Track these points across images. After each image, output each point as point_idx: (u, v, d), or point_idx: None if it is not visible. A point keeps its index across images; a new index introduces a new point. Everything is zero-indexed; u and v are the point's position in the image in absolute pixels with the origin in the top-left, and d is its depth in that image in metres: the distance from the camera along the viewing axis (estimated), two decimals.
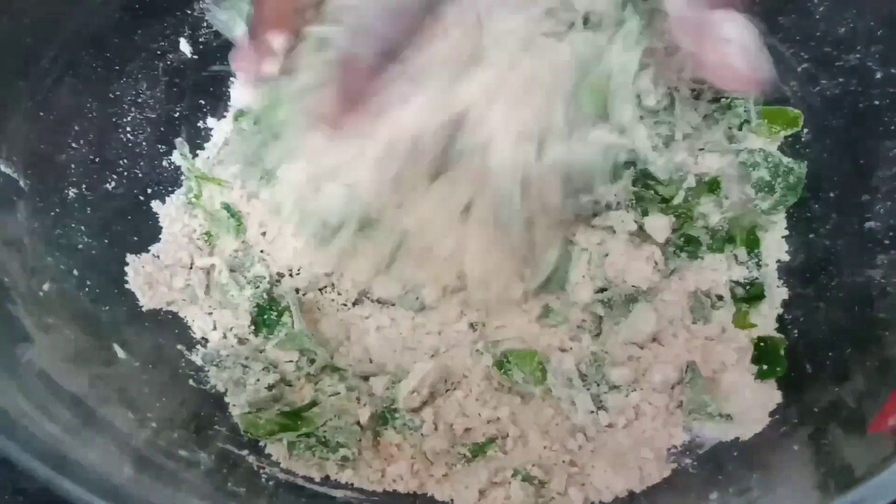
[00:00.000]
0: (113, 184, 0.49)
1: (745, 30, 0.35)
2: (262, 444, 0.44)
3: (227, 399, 0.46)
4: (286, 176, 0.42)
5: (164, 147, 0.53)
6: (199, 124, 0.54)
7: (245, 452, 0.43)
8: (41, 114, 0.45)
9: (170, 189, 0.52)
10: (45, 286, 0.41)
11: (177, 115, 0.53)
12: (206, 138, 0.55)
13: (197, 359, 0.47)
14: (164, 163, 0.52)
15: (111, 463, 0.35)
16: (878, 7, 0.45)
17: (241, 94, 0.50)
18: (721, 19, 0.35)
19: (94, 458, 0.33)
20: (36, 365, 0.37)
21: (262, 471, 0.43)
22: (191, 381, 0.46)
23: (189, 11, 0.53)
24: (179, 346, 0.47)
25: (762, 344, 0.47)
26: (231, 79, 0.55)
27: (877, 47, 0.46)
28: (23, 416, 0.33)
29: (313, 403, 0.45)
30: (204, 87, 0.54)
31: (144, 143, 0.51)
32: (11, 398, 0.34)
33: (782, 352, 0.46)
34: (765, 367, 0.46)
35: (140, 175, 0.51)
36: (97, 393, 0.39)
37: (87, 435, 0.35)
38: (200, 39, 0.53)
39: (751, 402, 0.44)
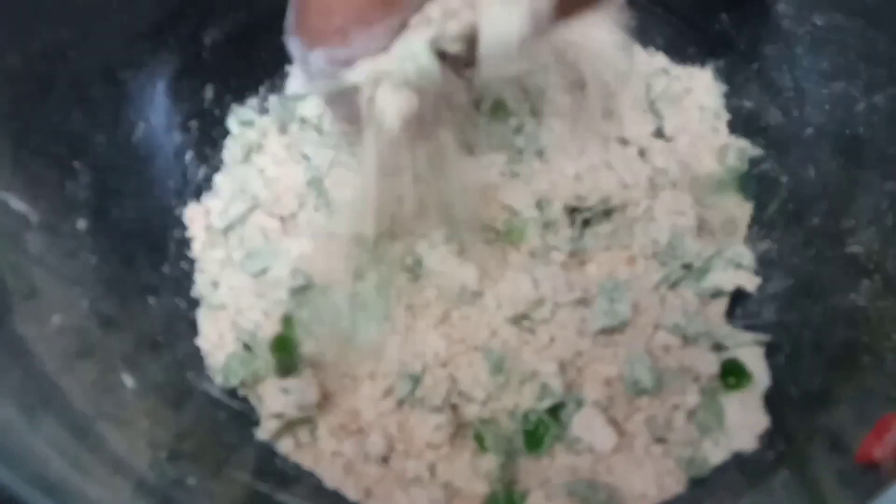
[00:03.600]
0: (122, 212, 0.50)
1: None
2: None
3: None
4: None
5: (173, 176, 0.54)
6: (206, 151, 0.55)
7: (255, 480, 0.44)
8: (51, 148, 0.46)
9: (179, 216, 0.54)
10: (55, 319, 0.42)
11: (186, 141, 0.54)
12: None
13: (208, 388, 0.48)
14: (172, 192, 0.53)
15: (118, 495, 0.35)
16: (856, 42, 0.47)
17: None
18: None
19: (98, 493, 0.34)
20: (44, 398, 0.38)
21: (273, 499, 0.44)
22: (201, 411, 0.46)
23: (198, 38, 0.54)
24: (190, 375, 0.48)
25: (727, 362, 0.48)
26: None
27: (858, 79, 0.48)
28: (28, 451, 0.34)
29: None
30: (212, 113, 0.55)
31: (154, 171, 0.52)
32: (18, 433, 0.34)
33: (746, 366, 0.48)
34: (731, 380, 0.48)
35: (150, 203, 0.52)
36: (105, 424, 0.40)
37: (93, 468, 0.36)
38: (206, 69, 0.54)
39: (739, 426, 0.45)
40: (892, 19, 0.46)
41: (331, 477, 0.46)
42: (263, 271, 0.51)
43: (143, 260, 0.50)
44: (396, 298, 0.47)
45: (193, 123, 0.55)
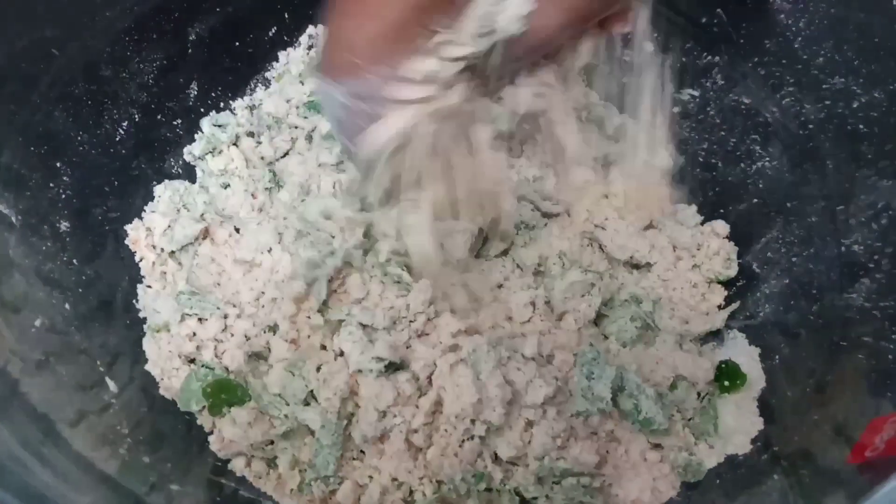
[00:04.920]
0: (105, 213, 0.49)
1: None
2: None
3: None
4: None
5: (157, 175, 0.53)
6: (189, 151, 0.55)
7: (238, 485, 0.44)
8: (32, 148, 0.45)
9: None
10: (37, 322, 0.41)
11: (169, 143, 0.54)
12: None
13: None
14: (157, 192, 0.52)
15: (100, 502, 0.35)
16: (855, 37, 0.46)
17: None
18: None
19: (82, 500, 0.34)
20: (26, 404, 0.37)
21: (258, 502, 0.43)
22: (184, 415, 0.45)
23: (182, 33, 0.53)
24: None
25: (723, 365, 0.48)
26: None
27: (857, 74, 0.47)
28: (13, 461, 0.33)
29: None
30: (196, 115, 0.55)
31: (137, 171, 0.52)
32: (2, 443, 0.34)
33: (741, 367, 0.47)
34: (726, 383, 0.47)
35: (132, 205, 0.51)
36: (87, 429, 0.39)
37: (75, 474, 0.36)
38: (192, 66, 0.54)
39: (733, 429, 0.45)
40: (892, 13, 0.45)
41: None
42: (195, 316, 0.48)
43: (127, 263, 0.50)
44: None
45: (178, 121, 0.54)
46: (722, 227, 0.53)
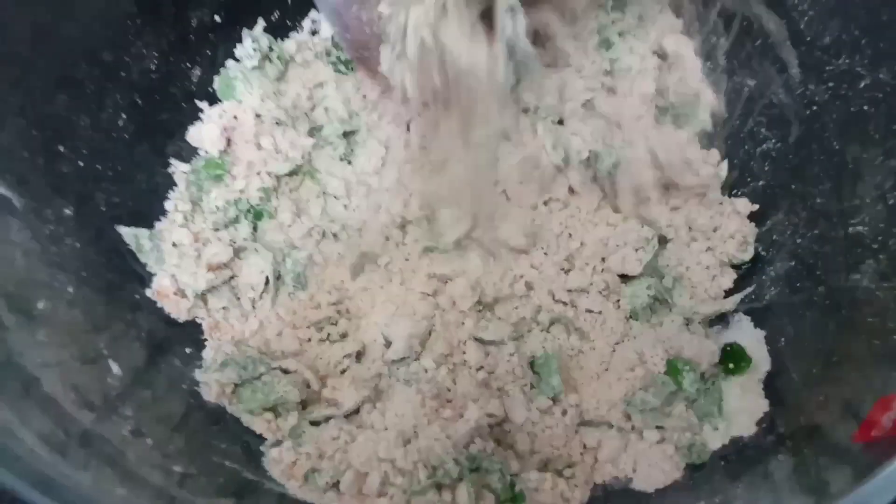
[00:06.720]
0: (108, 197, 0.49)
1: None
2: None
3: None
4: None
5: (160, 159, 0.53)
6: (192, 133, 0.54)
7: (242, 467, 0.44)
8: (34, 132, 0.45)
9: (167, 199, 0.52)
10: (40, 304, 0.41)
11: (172, 127, 0.54)
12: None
13: (194, 374, 0.47)
14: (159, 177, 0.52)
15: (103, 484, 0.35)
16: (861, 16, 0.46)
17: None
18: None
19: (85, 480, 0.34)
20: (28, 384, 0.37)
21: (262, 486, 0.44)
22: (189, 398, 0.46)
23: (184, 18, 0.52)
24: (177, 362, 0.47)
25: (727, 348, 0.48)
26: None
27: (862, 55, 0.46)
28: (13, 439, 0.33)
29: None
30: (199, 97, 0.54)
31: (140, 156, 0.51)
32: (3, 421, 0.34)
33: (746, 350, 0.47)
34: (731, 365, 0.47)
35: (136, 188, 0.51)
36: (90, 411, 0.39)
37: (78, 455, 0.36)
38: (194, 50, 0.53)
39: (737, 410, 0.45)
40: None
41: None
42: None
43: (128, 247, 0.49)
44: None
45: (182, 105, 0.54)
46: (744, 204, 0.52)
